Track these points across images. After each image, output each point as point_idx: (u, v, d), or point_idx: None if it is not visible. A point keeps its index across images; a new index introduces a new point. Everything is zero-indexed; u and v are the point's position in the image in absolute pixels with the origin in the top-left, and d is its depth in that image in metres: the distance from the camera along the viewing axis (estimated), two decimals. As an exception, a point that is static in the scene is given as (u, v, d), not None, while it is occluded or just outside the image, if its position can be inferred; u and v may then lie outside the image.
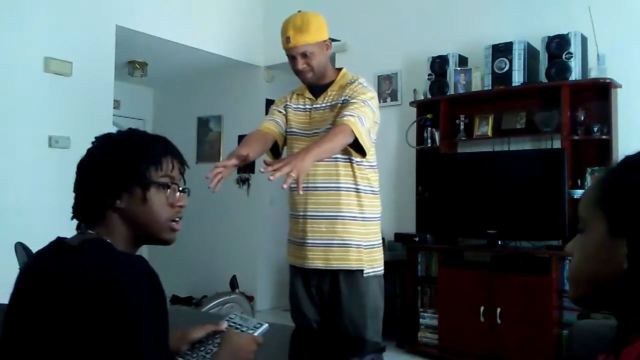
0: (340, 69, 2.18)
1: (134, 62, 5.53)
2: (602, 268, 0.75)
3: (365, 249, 2.09)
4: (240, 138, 5.90)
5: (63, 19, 3.99)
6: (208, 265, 5.86)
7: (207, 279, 5.62)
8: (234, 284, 4.49)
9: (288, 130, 2.20)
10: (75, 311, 0.96)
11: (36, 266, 1.10)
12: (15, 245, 2.61)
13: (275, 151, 2.23)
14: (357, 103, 1.99)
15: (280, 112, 2.23)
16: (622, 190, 0.73)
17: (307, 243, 2.09)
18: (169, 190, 1.15)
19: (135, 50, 5.18)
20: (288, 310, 2.28)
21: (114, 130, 1.23)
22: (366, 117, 1.97)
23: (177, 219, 1.19)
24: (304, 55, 2.03)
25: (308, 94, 2.18)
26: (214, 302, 3.68)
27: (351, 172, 2.07)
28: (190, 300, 5.73)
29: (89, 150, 1.14)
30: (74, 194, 1.13)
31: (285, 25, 2.04)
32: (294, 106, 2.20)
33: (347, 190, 2.07)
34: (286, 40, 2.03)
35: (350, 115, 1.94)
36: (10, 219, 3.45)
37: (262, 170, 1.72)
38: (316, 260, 2.09)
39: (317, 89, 2.15)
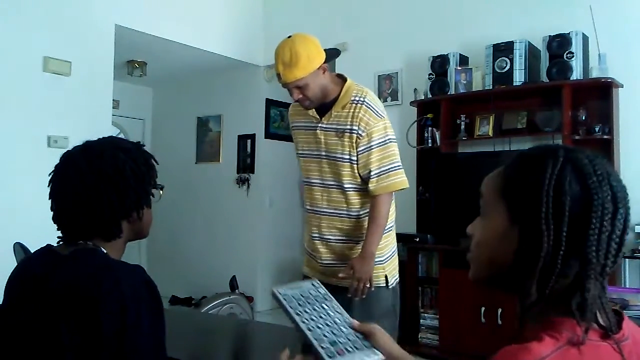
0: (344, 79, 2.09)
1: (133, 61, 5.51)
2: (500, 251, 0.80)
3: (385, 262, 2.13)
4: (240, 138, 5.92)
5: (62, 19, 3.97)
6: (208, 265, 5.84)
7: (207, 279, 5.61)
8: (233, 284, 4.47)
9: (299, 152, 2.20)
10: (74, 316, 0.95)
11: (29, 272, 1.09)
12: (14, 245, 2.59)
13: None
14: (374, 153, 2.02)
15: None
16: (519, 183, 0.80)
17: (323, 263, 2.14)
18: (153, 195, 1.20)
19: (135, 50, 5.17)
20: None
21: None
22: (389, 159, 2.04)
23: None
24: (298, 87, 1.98)
25: (312, 112, 2.12)
26: (214, 303, 3.67)
27: (358, 200, 2.10)
28: (190, 300, 5.72)
29: (102, 161, 1.09)
30: (78, 203, 1.08)
31: (275, 59, 1.99)
32: (299, 124, 2.18)
33: (358, 217, 2.11)
34: (277, 77, 2.01)
35: (378, 175, 2.01)
36: (8, 219, 3.44)
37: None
38: (332, 278, 2.09)
39: (321, 107, 2.10)
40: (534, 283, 0.75)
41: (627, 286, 3.36)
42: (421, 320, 3.95)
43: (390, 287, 2.12)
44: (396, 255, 2.22)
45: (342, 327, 0.95)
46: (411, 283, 4.06)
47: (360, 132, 2.00)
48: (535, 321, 0.75)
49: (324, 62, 1.99)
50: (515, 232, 0.79)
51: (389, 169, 2.03)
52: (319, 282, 1.03)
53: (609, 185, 0.76)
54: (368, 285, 1.97)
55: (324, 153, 2.09)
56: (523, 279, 0.76)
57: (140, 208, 1.12)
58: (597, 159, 0.79)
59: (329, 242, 2.14)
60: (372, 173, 2.02)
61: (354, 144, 2.02)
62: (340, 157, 2.05)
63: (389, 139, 2.05)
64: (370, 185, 2.03)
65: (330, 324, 0.94)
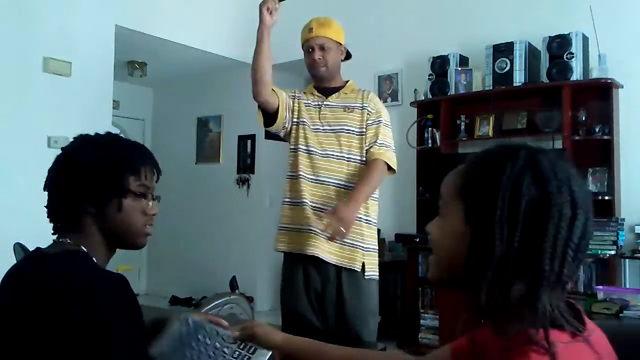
0: (347, 81, 2.30)
1: (134, 62, 5.52)
2: (455, 253, 0.78)
3: (366, 251, 2.11)
4: (240, 138, 5.92)
5: (62, 19, 3.97)
6: (208, 266, 5.84)
7: (207, 279, 5.61)
8: (233, 284, 4.47)
9: (297, 120, 2.23)
10: (48, 318, 0.94)
11: (15, 273, 1.08)
12: (14, 245, 2.59)
13: (269, 119, 2.24)
14: (381, 127, 2.17)
15: (290, 98, 2.28)
16: (477, 184, 0.77)
17: (317, 232, 2.12)
18: (144, 199, 1.15)
19: (135, 50, 5.17)
20: (288, 311, 2.28)
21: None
22: (390, 139, 2.19)
23: (149, 225, 1.19)
24: (322, 47, 2.17)
25: (317, 93, 2.26)
26: (214, 303, 3.65)
27: (358, 173, 2.14)
28: (190, 301, 5.73)
29: (66, 152, 1.12)
30: (47, 194, 1.13)
31: (309, 21, 2.24)
32: (304, 101, 2.26)
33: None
34: (309, 31, 2.20)
35: (381, 145, 2.14)
36: (8, 219, 3.44)
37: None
38: (323, 252, 2.09)
39: (325, 90, 2.24)
40: (484, 288, 0.72)
41: (627, 286, 3.36)
42: (421, 321, 3.94)
43: (366, 277, 2.12)
44: (376, 255, 2.21)
45: (224, 350, 0.95)
46: (411, 283, 4.05)
47: (370, 109, 2.18)
48: (502, 332, 0.73)
49: (343, 55, 2.27)
50: (468, 233, 0.76)
51: (390, 146, 2.18)
52: (186, 316, 1.04)
53: (569, 190, 0.73)
54: (344, 231, 1.96)
55: (327, 127, 2.18)
56: (475, 283, 0.74)
57: (99, 203, 1.09)
58: (559, 162, 0.76)
59: (322, 210, 2.12)
60: (377, 141, 2.14)
61: (364, 119, 2.17)
62: (351, 130, 2.16)
63: (390, 125, 2.24)
64: (372, 149, 2.13)
65: (212, 354, 0.94)
